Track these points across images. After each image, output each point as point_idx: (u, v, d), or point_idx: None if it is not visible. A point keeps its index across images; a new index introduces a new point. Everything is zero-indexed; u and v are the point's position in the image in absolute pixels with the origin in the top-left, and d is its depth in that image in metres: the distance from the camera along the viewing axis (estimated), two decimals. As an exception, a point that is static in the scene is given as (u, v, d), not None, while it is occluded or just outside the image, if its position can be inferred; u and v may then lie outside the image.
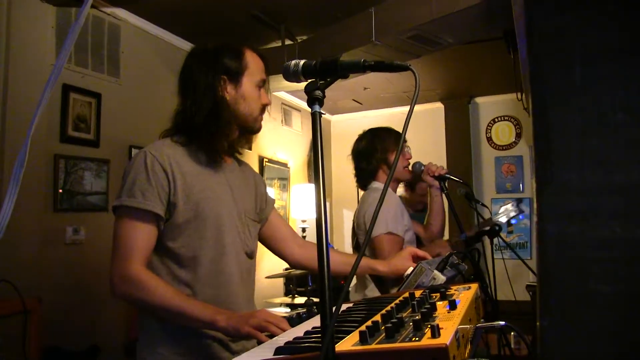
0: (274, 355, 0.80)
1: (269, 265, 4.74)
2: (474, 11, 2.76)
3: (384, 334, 0.76)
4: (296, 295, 3.89)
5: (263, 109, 1.50)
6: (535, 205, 0.42)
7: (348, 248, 4.23)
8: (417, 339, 0.72)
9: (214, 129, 1.40)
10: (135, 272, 1.27)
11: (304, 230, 4.72)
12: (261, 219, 1.62)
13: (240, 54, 1.47)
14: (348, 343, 0.76)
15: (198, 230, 1.36)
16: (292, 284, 4.08)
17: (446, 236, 3.16)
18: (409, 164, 2.45)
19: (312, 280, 4.07)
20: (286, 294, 4.53)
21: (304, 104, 5.78)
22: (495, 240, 2.52)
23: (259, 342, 1.16)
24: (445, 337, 0.70)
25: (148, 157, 1.34)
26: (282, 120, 5.35)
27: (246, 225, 1.49)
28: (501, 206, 2.32)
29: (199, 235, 1.36)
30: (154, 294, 1.26)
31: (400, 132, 2.53)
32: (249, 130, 1.49)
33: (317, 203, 0.83)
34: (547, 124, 0.41)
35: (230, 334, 1.25)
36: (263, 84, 1.50)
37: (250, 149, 1.64)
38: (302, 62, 0.97)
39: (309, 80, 0.96)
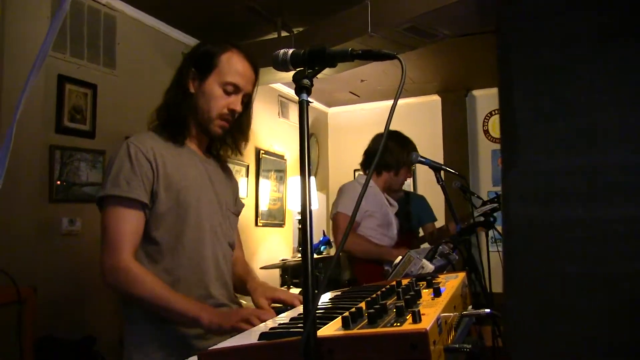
0: (259, 340, 0.81)
1: (264, 256, 4.76)
2: (470, 3, 2.75)
3: (366, 320, 0.77)
4: (292, 287, 3.90)
5: (227, 114, 1.45)
6: (502, 188, 0.43)
7: (344, 240, 4.22)
8: (398, 324, 0.73)
9: (172, 115, 1.43)
10: (124, 263, 1.28)
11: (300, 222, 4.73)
12: (239, 213, 1.64)
13: (218, 52, 1.45)
14: (331, 328, 0.77)
15: (180, 218, 1.37)
16: (288, 275, 4.10)
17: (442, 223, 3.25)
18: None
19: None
20: (282, 285, 4.55)
21: (301, 96, 5.76)
22: (491, 232, 2.55)
23: None
24: (426, 323, 0.71)
25: (131, 148, 1.35)
26: (279, 113, 5.34)
27: (227, 216, 1.51)
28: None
29: (180, 224, 1.37)
30: (142, 287, 1.27)
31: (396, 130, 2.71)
32: (204, 130, 1.47)
33: (302, 190, 0.83)
34: (512, 106, 0.41)
35: (212, 331, 1.26)
36: (234, 89, 1.44)
37: (228, 157, 1.61)
38: (290, 51, 0.98)
39: (298, 69, 0.96)
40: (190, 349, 1.33)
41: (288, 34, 3.80)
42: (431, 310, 0.80)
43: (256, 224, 4.78)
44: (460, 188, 2.50)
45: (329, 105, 6.25)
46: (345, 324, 0.76)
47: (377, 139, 2.81)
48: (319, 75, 0.95)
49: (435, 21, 2.96)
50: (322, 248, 4.97)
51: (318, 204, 5.14)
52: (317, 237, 5.34)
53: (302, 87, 0.92)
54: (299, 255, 4.52)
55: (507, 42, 0.43)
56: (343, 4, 3.28)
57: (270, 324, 1.01)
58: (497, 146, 5.53)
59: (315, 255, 4.55)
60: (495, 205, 2.45)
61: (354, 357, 0.72)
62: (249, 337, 0.87)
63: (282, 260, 4.55)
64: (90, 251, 3.05)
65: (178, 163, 1.42)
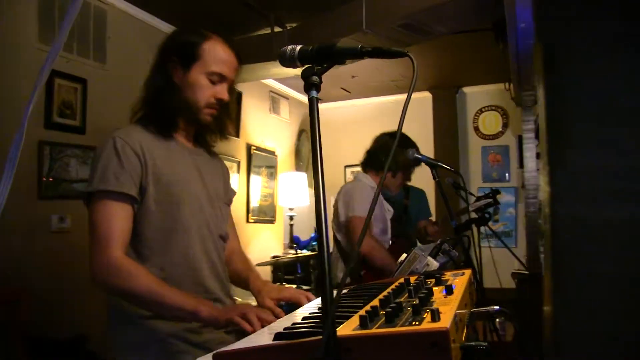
0: (274, 340, 0.80)
1: (256, 252, 4.74)
2: (465, 1, 2.76)
3: (383, 319, 0.77)
4: (284, 283, 3.89)
5: (215, 103, 1.42)
6: (548, 189, 0.43)
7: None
8: (417, 323, 0.72)
9: (160, 107, 1.40)
10: (115, 259, 1.25)
11: (291, 218, 4.71)
12: (230, 202, 1.62)
13: (200, 41, 1.41)
14: (348, 328, 0.76)
15: (169, 214, 1.35)
16: (281, 272, 4.09)
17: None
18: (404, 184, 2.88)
19: (301, 267, 4.08)
20: (274, 282, 4.54)
21: (292, 92, 5.74)
22: (482, 228, 2.57)
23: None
24: (446, 321, 0.71)
25: (118, 142, 1.32)
26: (270, 109, 5.31)
27: (218, 208, 1.49)
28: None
29: (170, 220, 1.35)
30: (136, 282, 1.23)
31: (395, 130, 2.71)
32: (193, 120, 1.44)
33: (315, 189, 0.83)
34: (559, 108, 0.41)
35: (210, 324, 1.25)
36: (220, 79, 1.42)
37: (216, 140, 1.57)
38: (298, 47, 0.97)
39: (306, 66, 0.95)
40: (186, 343, 1.32)
41: (281, 30, 3.78)
42: (447, 308, 0.79)
43: (247, 220, 4.76)
44: (452, 184, 2.51)
45: (320, 101, 6.23)
46: (363, 323, 0.75)
47: (379, 138, 2.79)
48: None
49: (430, 18, 2.96)
50: (314, 244, 4.97)
51: (309, 200, 5.13)
52: (308, 234, 5.33)
53: (311, 84, 0.92)
54: (291, 251, 4.51)
55: (552, 43, 0.43)
56: (338, 0, 3.26)
57: (285, 322, 1.00)
58: (487, 143, 5.57)
59: (307, 252, 4.54)
60: (490, 200, 2.47)
61: (372, 356, 0.71)
62: (264, 337, 0.86)
63: (274, 256, 4.54)
64: (81, 249, 2.98)
65: (167, 157, 1.39)
